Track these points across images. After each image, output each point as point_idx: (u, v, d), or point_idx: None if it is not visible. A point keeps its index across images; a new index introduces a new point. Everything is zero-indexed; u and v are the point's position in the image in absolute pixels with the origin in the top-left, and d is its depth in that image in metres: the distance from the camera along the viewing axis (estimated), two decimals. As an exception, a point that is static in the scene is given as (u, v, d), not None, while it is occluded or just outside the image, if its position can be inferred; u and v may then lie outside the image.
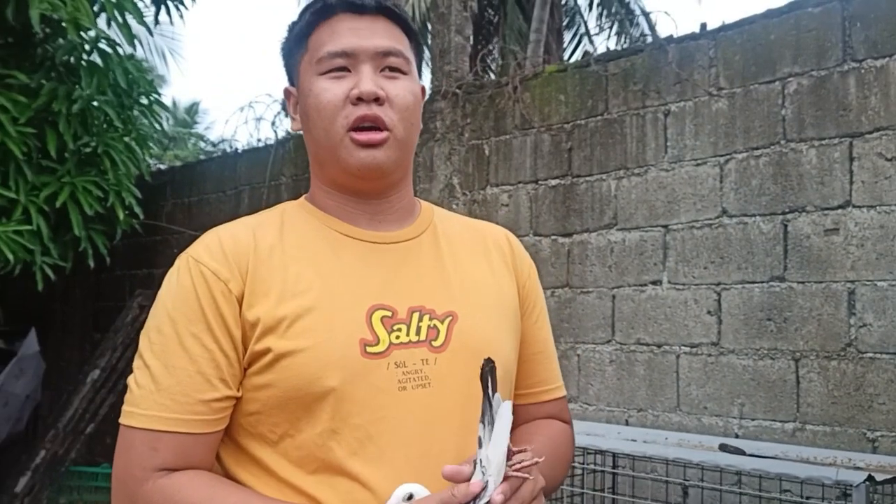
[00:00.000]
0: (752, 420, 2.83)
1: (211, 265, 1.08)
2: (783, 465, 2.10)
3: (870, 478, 1.80)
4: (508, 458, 0.98)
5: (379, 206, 1.18)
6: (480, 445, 0.98)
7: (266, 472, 1.08)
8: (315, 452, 1.05)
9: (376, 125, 1.11)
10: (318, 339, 1.05)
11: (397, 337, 1.09)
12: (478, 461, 0.98)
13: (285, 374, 1.05)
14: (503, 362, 1.14)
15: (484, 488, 0.96)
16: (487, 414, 0.99)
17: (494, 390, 0.99)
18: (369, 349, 1.07)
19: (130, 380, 1.07)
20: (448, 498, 0.96)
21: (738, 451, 2.23)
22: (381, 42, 1.13)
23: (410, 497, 1.01)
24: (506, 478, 0.98)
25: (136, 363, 1.08)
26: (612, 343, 3.26)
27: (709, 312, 2.98)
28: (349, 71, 1.12)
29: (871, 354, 2.61)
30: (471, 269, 1.22)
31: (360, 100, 1.10)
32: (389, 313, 1.10)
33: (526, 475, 0.99)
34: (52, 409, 5.56)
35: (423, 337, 1.11)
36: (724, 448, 2.26)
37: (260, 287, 1.08)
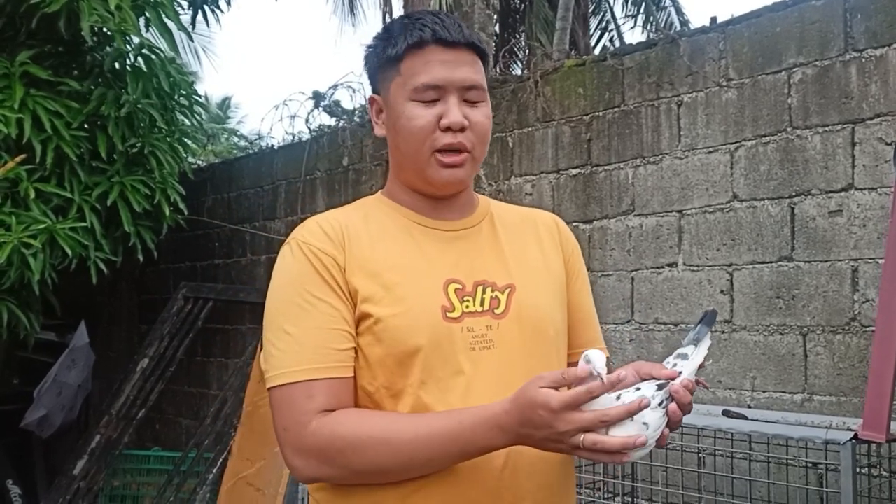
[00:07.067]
0: (764, 392, 3.00)
1: (318, 245, 1.31)
2: (779, 428, 2.27)
3: (855, 436, 1.98)
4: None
5: (446, 203, 1.41)
6: (686, 358, 1.23)
7: None
8: (407, 400, 1.27)
9: (459, 149, 1.33)
10: (408, 306, 1.28)
11: (467, 307, 1.31)
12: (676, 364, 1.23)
13: (384, 335, 1.27)
14: (555, 325, 1.39)
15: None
16: (692, 335, 1.26)
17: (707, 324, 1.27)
18: (448, 314, 1.30)
19: (269, 349, 1.28)
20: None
21: (740, 416, 2.41)
22: (467, 76, 1.34)
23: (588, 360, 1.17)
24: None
25: (274, 335, 1.29)
26: (631, 323, 3.44)
27: (722, 292, 3.15)
28: (438, 100, 1.33)
29: (873, 328, 2.75)
30: (524, 248, 1.44)
31: (448, 128, 1.32)
32: (460, 286, 1.33)
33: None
34: (102, 399, 5.80)
35: (486, 307, 1.33)
36: (726, 413, 2.44)
37: (355, 263, 1.30)
